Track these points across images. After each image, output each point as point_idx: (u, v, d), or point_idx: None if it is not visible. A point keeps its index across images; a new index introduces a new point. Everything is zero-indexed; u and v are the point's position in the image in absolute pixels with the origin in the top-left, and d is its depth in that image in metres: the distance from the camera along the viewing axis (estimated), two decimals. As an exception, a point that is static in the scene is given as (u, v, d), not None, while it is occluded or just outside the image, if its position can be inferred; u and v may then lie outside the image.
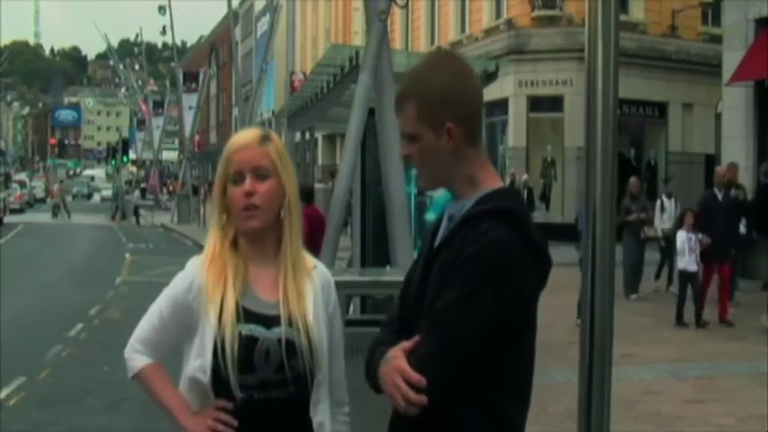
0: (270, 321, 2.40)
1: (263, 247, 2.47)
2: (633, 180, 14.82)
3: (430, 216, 8.90)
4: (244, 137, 2.50)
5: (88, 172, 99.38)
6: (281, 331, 2.39)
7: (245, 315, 2.38)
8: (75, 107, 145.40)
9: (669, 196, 15.00)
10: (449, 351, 2.01)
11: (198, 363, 2.37)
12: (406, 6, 7.34)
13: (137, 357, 2.50)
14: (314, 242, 11.19)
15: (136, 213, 41.66)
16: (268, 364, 2.37)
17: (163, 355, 2.53)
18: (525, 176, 24.32)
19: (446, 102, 2.13)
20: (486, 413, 2.08)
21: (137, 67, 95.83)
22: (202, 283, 2.41)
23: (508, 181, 24.37)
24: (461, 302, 2.01)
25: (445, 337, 2.02)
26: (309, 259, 2.55)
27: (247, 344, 2.36)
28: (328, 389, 2.48)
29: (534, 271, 2.11)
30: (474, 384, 2.06)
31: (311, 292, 2.48)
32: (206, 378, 2.35)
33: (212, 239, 2.47)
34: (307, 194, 12.36)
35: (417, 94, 2.15)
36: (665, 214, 14.66)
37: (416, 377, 2.00)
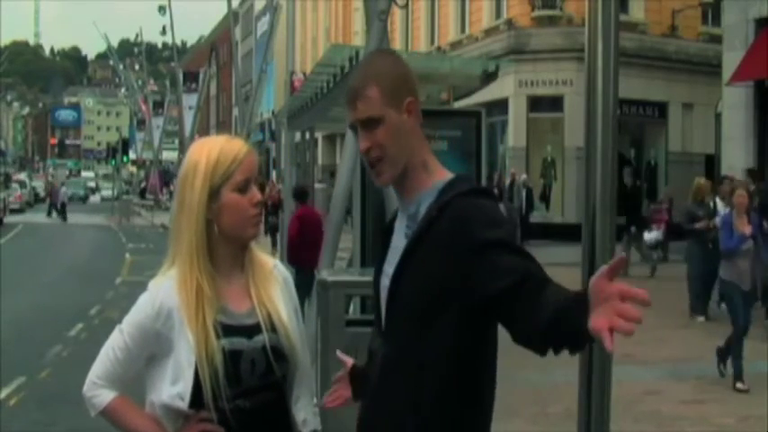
0: (250, 331, 2.38)
1: (234, 259, 2.43)
2: (702, 182, 13.23)
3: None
4: (240, 143, 2.45)
5: (85, 173, 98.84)
6: (263, 338, 2.38)
7: (224, 330, 2.34)
8: (75, 107, 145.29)
9: (724, 199, 12.99)
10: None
11: (176, 390, 2.30)
12: (406, 6, 7.34)
13: (101, 393, 2.39)
14: (302, 241, 11.20)
15: (62, 209, 42.18)
16: (254, 373, 2.36)
17: (125, 387, 2.43)
18: (524, 176, 24.31)
19: (404, 80, 2.25)
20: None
21: (137, 67, 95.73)
22: (173, 307, 2.34)
23: (508, 181, 24.38)
24: (525, 263, 2.02)
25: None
26: (269, 259, 2.55)
27: (232, 358, 2.33)
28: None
29: None
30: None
31: (279, 292, 2.48)
32: (184, 404, 2.30)
33: (183, 258, 2.37)
34: (300, 194, 12.31)
35: (378, 77, 2.22)
36: (718, 219, 12.75)
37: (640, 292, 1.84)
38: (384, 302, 2.24)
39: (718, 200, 13.05)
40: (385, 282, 2.23)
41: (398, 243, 2.23)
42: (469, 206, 2.10)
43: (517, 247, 2.06)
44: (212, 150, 2.39)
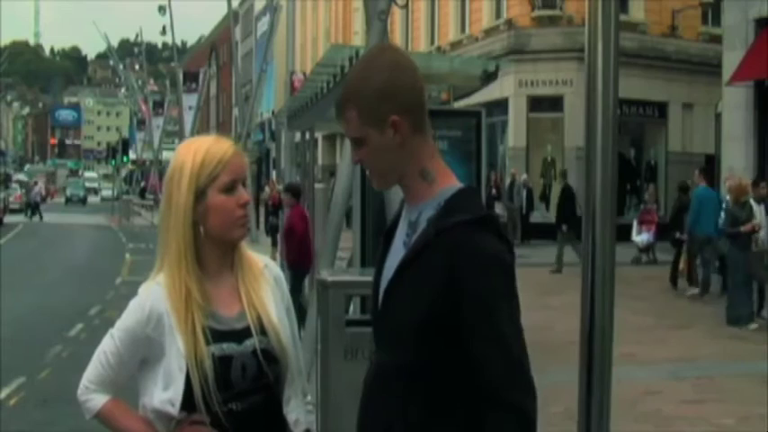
0: (240, 335, 2.38)
1: (222, 260, 2.43)
2: (744, 182, 12.68)
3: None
4: (227, 144, 2.43)
5: (87, 174, 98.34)
6: (253, 342, 2.37)
7: (214, 335, 2.34)
8: (75, 107, 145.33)
9: (760, 201, 12.37)
10: (519, 373, 2.04)
11: (167, 395, 2.31)
12: (406, 6, 7.33)
13: (94, 397, 2.41)
14: (303, 242, 11.07)
15: (35, 208, 41.80)
16: (245, 377, 2.36)
17: (119, 390, 2.44)
18: (524, 176, 24.29)
19: (384, 96, 2.10)
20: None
21: (137, 67, 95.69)
22: (163, 311, 2.34)
23: (509, 181, 24.38)
24: (504, 327, 2.04)
25: (510, 360, 2.04)
26: (259, 259, 2.54)
27: (223, 364, 2.33)
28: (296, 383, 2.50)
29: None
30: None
31: (269, 292, 2.46)
32: (175, 409, 2.31)
33: (171, 261, 2.37)
34: (298, 191, 12.26)
35: (354, 97, 2.13)
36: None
37: None
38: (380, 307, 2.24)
39: (752, 201, 12.32)
40: (384, 284, 2.22)
41: (398, 248, 2.20)
42: (471, 245, 2.03)
43: (510, 312, 2.04)
44: (198, 151, 2.38)
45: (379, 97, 2.11)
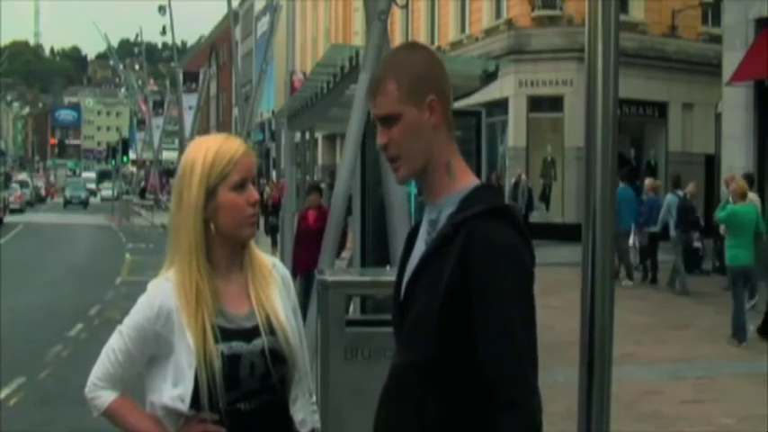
0: (249, 334, 2.39)
1: (232, 259, 2.44)
2: None
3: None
4: (237, 143, 2.45)
5: (87, 174, 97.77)
6: (262, 342, 2.38)
7: (223, 333, 2.35)
8: (75, 107, 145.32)
9: None
10: (522, 366, 2.01)
11: (177, 391, 2.32)
12: (406, 6, 7.32)
13: (102, 394, 2.42)
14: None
15: None
16: (253, 376, 2.37)
17: (126, 387, 2.45)
18: (524, 177, 24.26)
19: (427, 76, 2.15)
20: None
21: (137, 67, 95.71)
22: (172, 308, 2.35)
23: (513, 181, 24.33)
24: (508, 320, 2.00)
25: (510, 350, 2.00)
26: (268, 259, 2.56)
27: (231, 362, 2.34)
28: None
29: (533, 265, 2.12)
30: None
31: (277, 292, 2.48)
32: (185, 406, 2.32)
33: (182, 258, 2.38)
34: (319, 191, 12.61)
35: (398, 72, 2.15)
36: None
37: None
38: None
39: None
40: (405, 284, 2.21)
41: (419, 248, 2.20)
42: (482, 234, 2.02)
43: (519, 303, 2.01)
44: (209, 150, 2.40)
45: (424, 76, 2.15)
